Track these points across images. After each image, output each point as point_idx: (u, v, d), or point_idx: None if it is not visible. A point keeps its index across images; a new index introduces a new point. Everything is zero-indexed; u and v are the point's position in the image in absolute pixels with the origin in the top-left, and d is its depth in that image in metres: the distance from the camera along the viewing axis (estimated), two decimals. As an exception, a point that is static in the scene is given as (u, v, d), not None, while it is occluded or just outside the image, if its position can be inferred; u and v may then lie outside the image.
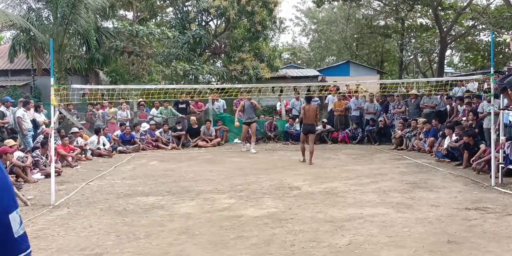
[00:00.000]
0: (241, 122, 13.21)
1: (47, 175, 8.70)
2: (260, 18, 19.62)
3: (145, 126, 14.39)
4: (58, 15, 16.31)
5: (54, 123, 8.27)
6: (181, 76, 18.51)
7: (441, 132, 11.63)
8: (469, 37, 28.04)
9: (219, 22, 22.08)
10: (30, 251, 1.80)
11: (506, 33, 22.66)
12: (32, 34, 16.58)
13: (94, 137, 12.67)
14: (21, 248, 1.77)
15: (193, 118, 14.83)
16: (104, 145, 12.78)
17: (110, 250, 4.79)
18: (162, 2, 22.91)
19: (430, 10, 25.81)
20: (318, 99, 16.26)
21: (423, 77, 30.01)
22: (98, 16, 18.55)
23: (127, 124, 14.37)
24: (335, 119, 15.39)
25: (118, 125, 14.17)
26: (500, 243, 4.77)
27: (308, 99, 11.18)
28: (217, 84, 21.57)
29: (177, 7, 21.54)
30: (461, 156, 9.82)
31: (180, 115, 15.15)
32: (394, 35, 30.26)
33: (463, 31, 27.25)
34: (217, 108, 15.88)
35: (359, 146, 14.01)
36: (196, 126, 14.79)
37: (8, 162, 8.16)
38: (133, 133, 13.84)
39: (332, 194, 7.29)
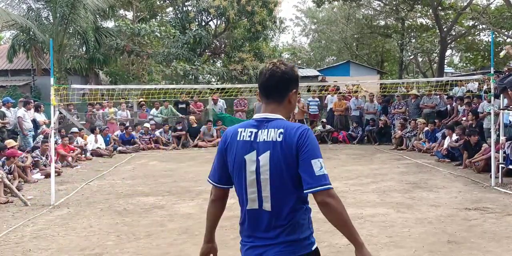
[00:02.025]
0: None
1: (47, 175, 8.71)
2: (260, 18, 19.62)
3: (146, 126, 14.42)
4: (58, 15, 16.30)
5: (54, 123, 8.27)
6: (181, 76, 18.51)
7: (441, 132, 11.63)
8: (469, 37, 28.01)
9: (219, 22, 22.11)
10: None
11: (505, 37, 22.68)
12: (32, 34, 16.58)
13: (91, 137, 12.68)
14: None
15: (192, 117, 14.82)
16: (100, 144, 12.78)
17: (110, 250, 4.79)
18: (162, 2, 22.93)
19: (430, 10, 25.78)
20: (318, 99, 16.27)
21: (423, 77, 29.97)
22: (98, 16, 18.54)
23: (127, 124, 14.37)
24: (335, 119, 15.39)
25: (118, 125, 14.17)
26: (500, 243, 4.77)
27: None
28: (217, 84, 21.57)
29: (177, 7, 21.56)
30: (461, 156, 9.82)
31: (180, 115, 15.14)
32: (394, 35, 30.21)
33: (463, 31, 27.23)
34: (219, 109, 15.86)
35: (359, 146, 14.00)
36: (196, 125, 14.78)
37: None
38: (133, 133, 13.84)
39: (332, 194, 7.27)
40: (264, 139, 2.00)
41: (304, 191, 1.95)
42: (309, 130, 2.02)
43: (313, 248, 2.07)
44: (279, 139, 1.97)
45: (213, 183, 2.16)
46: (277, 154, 1.97)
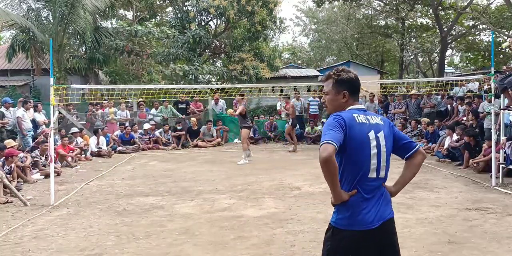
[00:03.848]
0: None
1: (47, 175, 8.70)
2: (260, 18, 19.60)
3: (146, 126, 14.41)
4: (57, 15, 16.29)
5: (54, 123, 8.26)
6: (180, 76, 18.50)
7: (441, 133, 11.62)
8: (470, 37, 28.03)
9: (219, 22, 22.08)
10: None
11: (505, 37, 22.65)
12: (32, 34, 16.57)
13: (93, 138, 12.65)
14: None
15: (194, 119, 14.82)
16: (102, 145, 12.76)
17: (110, 250, 4.77)
18: (161, 1, 22.92)
19: (431, 10, 25.79)
20: (318, 99, 16.25)
21: (423, 77, 30.00)
22: (97, 16, 18.54)
23: (127, 124, 14.36)
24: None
25: (118, 125, 14.16)
26: (501, 243, 4.76)
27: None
28: (217, 84, 21.56)
29: (176, 6, 21.53)
30: (462, 156, 9.80)
31: (180, 115, 15.13)
32: (395, 35, 30.23)
33: (463, 31, 27.24)
34: (219, 109, 15.84)
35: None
36: (196, 127, 14.78)
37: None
38: (133, 133, 13.83)
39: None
40: (376, 122, 2.55)
41: (405, 157, 2.71)
42: None
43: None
44: (382, 123, 2.57)
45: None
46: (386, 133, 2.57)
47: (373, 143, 2.47)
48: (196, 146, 14.36)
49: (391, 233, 2.56)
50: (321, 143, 2.35)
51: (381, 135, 2.51)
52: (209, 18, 21.42)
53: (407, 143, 2.65)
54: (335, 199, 2.43)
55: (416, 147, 2.64)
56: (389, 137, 2.58)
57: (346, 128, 2.41)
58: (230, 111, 12.64)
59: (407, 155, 2.65)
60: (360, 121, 2.47)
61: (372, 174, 2.48)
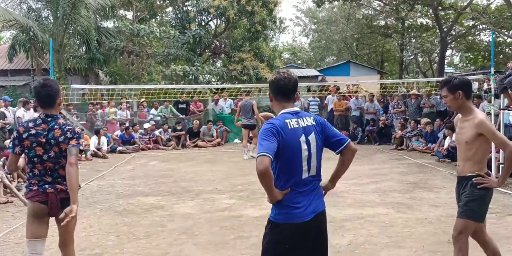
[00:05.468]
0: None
1: (47, 175, 8.68)
2: (260, 18, 19.61)
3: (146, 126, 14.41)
4: (58, 15, 16.30)
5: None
6: (180, 76, 18.51)
7: (442, 132, 11.62)
8: (470, 37, 28.01)
9: (219, 22, 22.09)
10: None
11: (505, 37, 22.68)
12: (32, 34, 16.58)
13: (94, 138, 12.65)
14: None
15: (196, 122, 14.82)
16: (102, 144, 12.75)
17: (110, 250, 4.78)
18: (161, 1, 22.92)
19: (431, 10, 25.77)
20: (318, 99, 16.26)
21: (423, 77, 29.98)
22: (98, 16, 18.55)
23: (127, 124, 14.35)
24: (335, 119, 15.38)
25: (118, 125, 14.16)
26: (501, 244, 4.75)
27: None
28: (217, 84, 21.57)
29: (177, 7, 21.56)
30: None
31: (180, 115, 15.13)
32: (395, 35, 30.21)
33: (463, 31, 27.22)
34: (220, 109, 15.80)
35: (359, 146, 13.91)
36: (197, 129, 14.78)
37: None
38: (133, 133, 13.83)
39: (332, 194, 7.24)
40: (307, 124, 2.74)
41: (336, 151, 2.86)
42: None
43: None
44: (313, 123, 2.78)
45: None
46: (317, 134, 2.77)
47: (304, 147, 2.68)
48: (196, 146, 14.37)
49: (322, 223, 2.80)
50: (257, 155, 2.53)
51: (312, 137, 2.72)
52: (209, 18, 21.44)
53: (338, 140, 2.83)
54: (271, 199, 2.70)
55: (345, 144, 2.82)
56: (321, 135, 2.78)
57: (279, 136, 2.61)
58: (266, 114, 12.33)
59: (337, 151, 2.85)
60: (292, 127, 2.67)
61: (305, 175, 2.71)
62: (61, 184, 3.35)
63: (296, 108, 2.81)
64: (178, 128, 14.62)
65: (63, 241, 3.48)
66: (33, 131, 3.33)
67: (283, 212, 2.69)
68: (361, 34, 32.86)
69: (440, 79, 17.34)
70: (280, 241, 2.66)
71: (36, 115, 12.12)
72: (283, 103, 2.79)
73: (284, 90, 2.77)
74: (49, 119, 3.39)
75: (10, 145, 3.42)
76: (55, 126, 3.36)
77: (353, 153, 2.89)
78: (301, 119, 2.73)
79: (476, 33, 27.47)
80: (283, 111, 2.76)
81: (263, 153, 2.52)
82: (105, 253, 4.71)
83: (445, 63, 30.49)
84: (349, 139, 2.89)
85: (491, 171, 7.88)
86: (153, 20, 22.98)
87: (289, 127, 2.66)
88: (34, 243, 3.35)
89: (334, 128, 2.91)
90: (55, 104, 3.41)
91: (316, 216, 2.72)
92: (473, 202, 3.46)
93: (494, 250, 3.78)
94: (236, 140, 15.02)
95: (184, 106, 15.37)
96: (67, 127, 3.39)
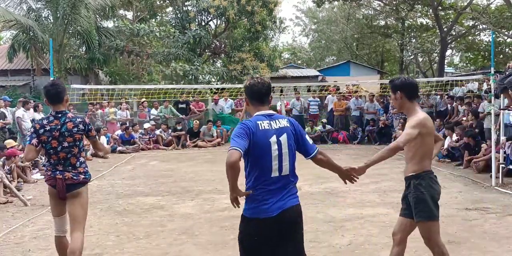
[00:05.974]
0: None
1: (47, 175, 8.69)
2: (260, 18, 19.59)
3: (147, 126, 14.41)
4: (58, 15, 16.31)
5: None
6: (181, 76, 18.51)
7: (441, 132, 11.61)
8: (470, 37, 28.03)
9: (219, 22, 22.08)
10: None
11: (505, 37, 22.68)
12: (32, 34, 16.58)
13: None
14: None
15: (197, 122, 14.82)
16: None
17: (110, 250, 4.79)
18: (161, 1, 22.92)
19: (431, 10, 25.78)
20: (318, 99, 16.26)
21: (423, 77, 29.99)
22: (98, 16, 18.55)
23: (127, 124, 14.35)
24: (335, 119, 15.38)
25: (118, 125, 14.15)
26: (500, 243, 4.77)
27: None
28: (217, 84, 21.57)
29: (176, 6, 21.54)
30: (461, 156, 9.81)
31: (180, 115, 15.13)
32: (395, 35, 30.23)
33: (463, 31, 27.23)
34: (220, 109, 15.80)
35: (359, 146, 13.98)
36: (197, 130, 14.78)
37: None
38: (133, 133, 13.83)
39: (332, 194, 7.28)
40: (280, 126, 2.91)
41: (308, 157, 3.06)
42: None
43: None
44: (287, 125, 2.95)
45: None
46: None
47: (274, 147, 2.85)
48: (196, 146, 14.36)
49: (291, 217, 2.93)
50: (228, 149, 2.76)
51: (283, 138, 2.89)
52: (209, 18, 21.43)
53: (307, 148, 3.02)
54: (231, 193, 3.02)
55: (314, 152, 3.03)
56: (293, 137, 2.95)
57: (250, 135, 2.81)
58: None
59: (308, 157, 3.05)
60: (263, 128, 2.87)
61: (275, 173, 2.91)
62: (70, 172, 3.97)
63: (270, 111, 2.97)
64: (178, 128, 14.62)
65: (71, 226, 3.94)
66: (48, 127, 3.80)
67: (252, 207, 2.98)
68: (361, 34, 32.88)
69: (441, 79, 17.41)
70: (250, 234, 2.92)
71: (36, 115, 12.23)
72: (258, 106, 2.97)
73: (258, 94, 2.96)
74: (59, 115, 3.85)
75: (28, 138, 3.89)
76: (66, 120, 3.83)
77: (325, 157, 3.09)
78: (274, 121, 2.90)
79: (476, 33, 27.49)
80: (257, 113, 2.94)
81: (234, 148, 2.74)
82: (105, 253, 4.71)
83: (445, 63, 30.50)
84: (317, 149, 3.05)
85: (491, 171, 7.93)
86: (153, 20, 22.97)
87: (260, 128, 2.85)
88: (55, 220, 4.04)
89: (307, 136, 3.06)
90: (63, 100, 3.89)
91: (283, 212, 2.87)
92: (419, 203, 3.45)
93: (400, 253, 3.74)
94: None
95: (184, 106, 15.36)
96: (77, 120, 3.89)
